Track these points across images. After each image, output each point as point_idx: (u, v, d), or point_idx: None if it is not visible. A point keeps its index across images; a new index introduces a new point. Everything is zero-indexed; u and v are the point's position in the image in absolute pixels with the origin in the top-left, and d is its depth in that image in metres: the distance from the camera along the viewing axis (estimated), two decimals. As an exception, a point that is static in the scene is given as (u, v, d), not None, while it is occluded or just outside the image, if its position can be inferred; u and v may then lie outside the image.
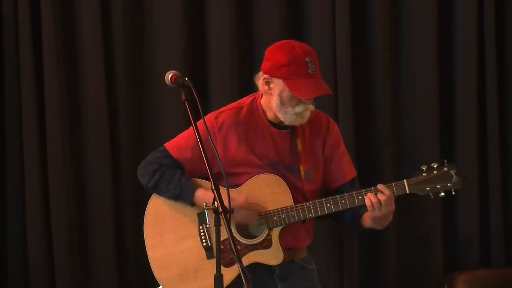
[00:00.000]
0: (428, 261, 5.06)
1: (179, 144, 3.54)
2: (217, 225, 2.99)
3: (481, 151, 5.08)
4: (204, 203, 3.19)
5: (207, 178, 3.50)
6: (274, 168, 3.49)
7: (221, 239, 3.42)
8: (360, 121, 5.01)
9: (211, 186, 3.03)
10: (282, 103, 3.43)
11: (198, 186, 3.49)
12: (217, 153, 3.19)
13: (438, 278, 5.04)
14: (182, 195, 3.49)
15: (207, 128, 3.21)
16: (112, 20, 4.88)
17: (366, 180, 3.71)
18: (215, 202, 2.99)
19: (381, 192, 3.42)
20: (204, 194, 3.46)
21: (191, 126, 3.52)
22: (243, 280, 2.88)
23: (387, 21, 5.01)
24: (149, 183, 3.54)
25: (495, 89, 5.04)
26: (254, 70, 3.63)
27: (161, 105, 4.89)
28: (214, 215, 3.00)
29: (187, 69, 4.83)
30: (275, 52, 3.46)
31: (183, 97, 3.17)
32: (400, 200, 5.03)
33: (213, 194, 3.23)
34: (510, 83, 5.12)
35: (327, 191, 3.62)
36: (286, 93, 3.42)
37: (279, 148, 3.51)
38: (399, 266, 5.06)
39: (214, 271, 3.38)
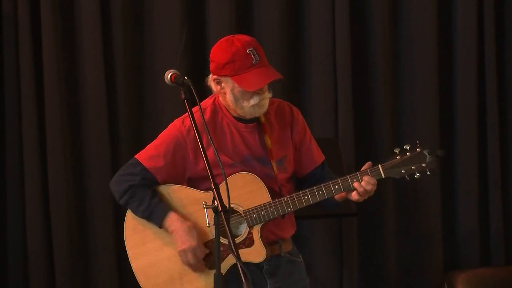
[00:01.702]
0: (428, 260, 5.06)
1: (151, 154, 3.52)
2: (217, 224, 2.98)
3: (481, 151, 5.08)
4: (203, 202, 3.17)
5: (182, 183, 3.52)
6: (246, 164, 3.48)
7: (205, 240, 3.44)
8: (360, 121, 5.01)
9: (210, 186, 3.02)
10: (236, 99, 3.44)
11: (168, 211, 3.47)
12: (215, 149, 3.18)
13: (438, 277, 5.04)
14: (153, 218, 3.48)
15: (205, 126, 3.21)
16: (112, 20, 4.88)
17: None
18: (215, 202, 2.99)
19: (367, 181, 3.41)
20: (175, 221, 3.45)
21: (160, 134, 3.53)
22: (243, 280, 2.88)
23: (387, 21, 5.02)
24: (120, 201, 3.54)
25: (495, 89, 5.05)
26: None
27: (161, 104, 4.89)
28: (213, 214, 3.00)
29: (187, 68, 4.83)
30: (216, 52, 3.47)
31: (183, 96, 3.18)
32: (400, 200, 5.06)
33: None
34: (510, 83, 5.13)
35: (299, 177, 3.62)
36: (237, 89, 3.42)
37: (248, 142, 3.50)
38: (399, 266, 5.06)
39: (199, 275, 3.39)
